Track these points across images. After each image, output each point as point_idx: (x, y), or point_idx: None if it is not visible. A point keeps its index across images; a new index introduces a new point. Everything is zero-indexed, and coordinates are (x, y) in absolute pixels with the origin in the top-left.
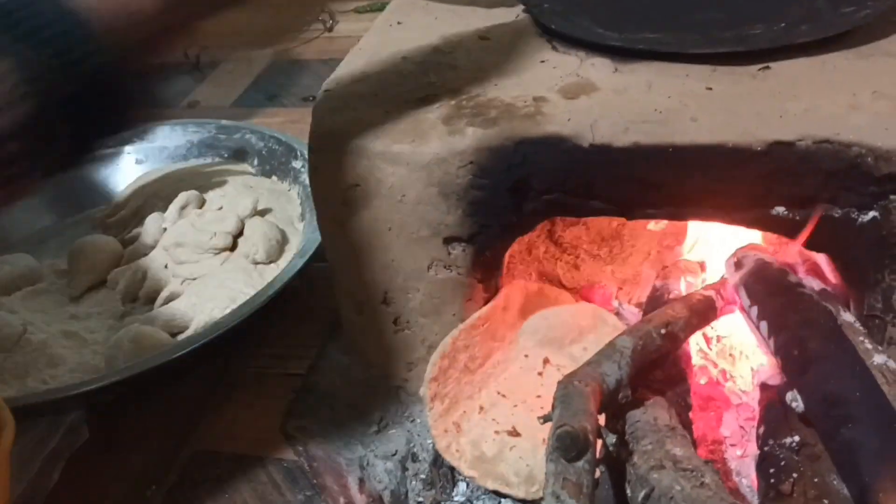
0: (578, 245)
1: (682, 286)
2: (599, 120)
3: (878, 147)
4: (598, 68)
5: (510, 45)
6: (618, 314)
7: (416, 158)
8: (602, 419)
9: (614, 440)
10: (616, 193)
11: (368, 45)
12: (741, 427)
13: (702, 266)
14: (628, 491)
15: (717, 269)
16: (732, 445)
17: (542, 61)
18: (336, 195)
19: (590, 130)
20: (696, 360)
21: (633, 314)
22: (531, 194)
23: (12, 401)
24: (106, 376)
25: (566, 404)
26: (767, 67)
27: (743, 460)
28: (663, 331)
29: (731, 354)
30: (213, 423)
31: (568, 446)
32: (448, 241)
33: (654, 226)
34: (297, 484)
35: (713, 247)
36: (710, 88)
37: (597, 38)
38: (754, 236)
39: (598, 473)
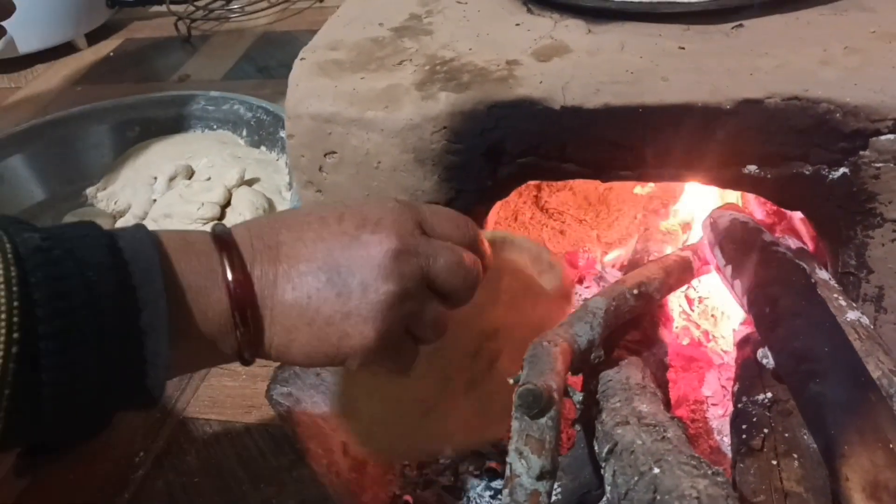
0: (565, 210)
1: (662, 248)
2: (571, 82)
3: (847, 102)
4: (571, 30)
5: (486, 8)
6: (601, 278)
7: (389, 125)
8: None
9: (581, 398)
10: (589, 155)
11: (346, 13)
12: (723, 387)
13: (684, 228)
14: (596, 447)
15: (698, 231)
16: (714, 405)
17: (517, 24)
18: (313, 163)
19: (561, 92)
20: (678, 321)
21: (617, 278)
22: (506, 158)
23: None
24: None
25: (533, 364)
26: (741, 25)
27: (724, 419)
28: (636, 291)
29: (713, 315)
30: (200, 390)
31: (530, 404)
32: None
33: (641, 189)
34: (282, 449)
35: (696, 208)
36: (683, 48)
37: (571, 0)
38: (734, 196)
39: (573, 432)
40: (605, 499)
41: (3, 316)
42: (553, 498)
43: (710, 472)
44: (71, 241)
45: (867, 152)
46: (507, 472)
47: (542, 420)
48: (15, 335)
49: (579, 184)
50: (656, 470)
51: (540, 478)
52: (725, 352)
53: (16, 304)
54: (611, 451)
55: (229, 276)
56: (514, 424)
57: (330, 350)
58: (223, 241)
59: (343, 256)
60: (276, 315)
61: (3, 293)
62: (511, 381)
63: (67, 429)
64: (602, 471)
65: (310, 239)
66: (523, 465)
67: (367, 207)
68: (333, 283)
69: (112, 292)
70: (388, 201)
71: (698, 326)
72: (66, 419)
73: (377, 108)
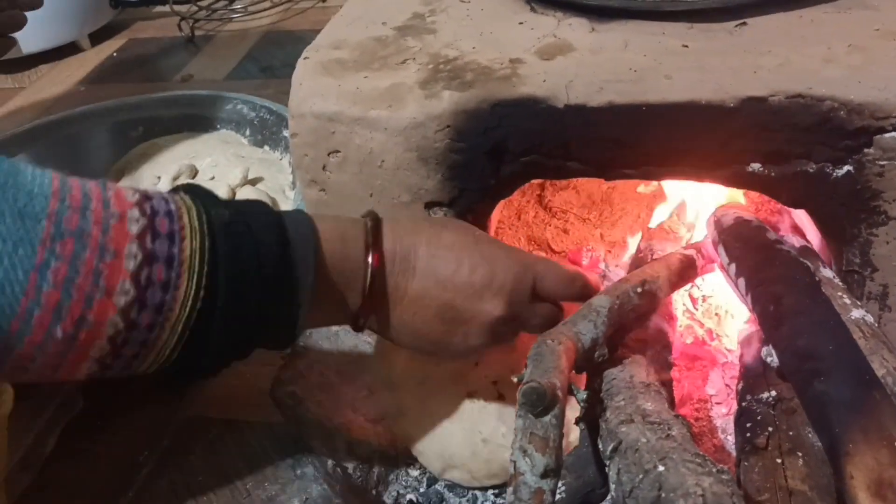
0: (568, 209)
1: (666, 247)
2: (575, 80)
3: (851, 100)
4: (575, 28)
5: (489, 7)
6: (605, 277)
7: (393, 123)
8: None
9: (585, 396)
10: (593, 154)
11: (350, 12)
12: (727, 385)
13: (688, 226)
14: (600, 445)
15: (702, 229)
16: (718, 404)
17: (521, 23)
18: (316, 162)
19: (565, 91)
20: (682, 320)
21: (620, 276)
22: (509, 157)
23: None
24: None
25: (537, 362)
26: (744, 23)
27: (728, 418)
28: (640, 289)
29: (716, 314)
30: (205, 389)
31: (534, 402)
32: (429, 205)
33: (644, 188)
34: (286, 448)
35: (700, 207)
36: (686, 46)
37: None
38: (738, 194)
39: (577, 431)
40: (609, 497)
41: (196, 277)
42: (557, 496)
43: (714, 469)
44: (249, 218)
45: (871, 150)
46: (511, 471)
47: (546, 418)
48: (202, 292)
49: (583, 183)
50: (661, 468)
51: (544, 476)
52: (729, 350)
53: (206, 268)
54: (615, 450)
55: (368, 280)
56: (518, 423)
57: (421, 356)
58: (373, 241)
59: (462, 305)
60: (393, 322)
61: (197, 258)
62: (514, 379)
63: (219, 359)
64: (606, 469)
65: (442, 275)
66: (527, 463)
67: (498, 267)
68: (445, 322)
69: (275, 267)
70: (516, 262)
71: (702, 325)
72: (221, 354)
73: (381, 107)
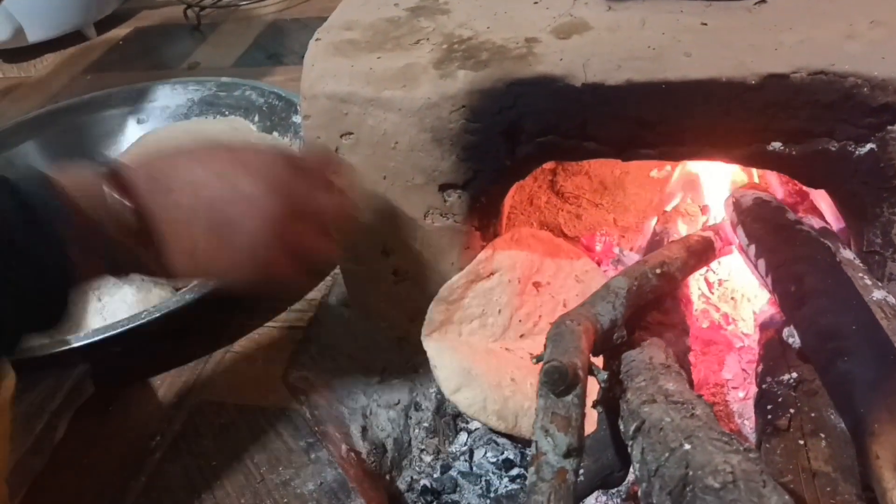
0: (580, 194)
1: (682, 229)
2: (592, 58)
3: (875, 76)
4: (591, 7)
5: None
6: (619, 261)
7: (407, 104)
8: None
9: (606, 377)
10: (610, 133)
11: None
12: (743, 370)
13: (703, 209)
14: (621, 426)
15: (719, 212)
16: (734, 388)
17: (535, 2)
18: (329, 144)
19: (582, 69)
20: (697, 304)
21: (634, 261)
22: (525, 137)
23: (16, 354)
24: (108, 329)
25: (557, 342)
26: (763, 1)
27: (745, 402)
28: (658, 271)
29: (732, 298)
30: (217, 374)
31: (556, 381)
32: (443, 187)
33: (657, 173)
34: (300, 432)
35: (715, 189)
36: (705, 24)
37: None
38: (754, 176)
39: (595, 414)
40: (632, 477)
41: None
42: None
43: (741, 448)
44: None
45: (895, 127)
46: (533, 451)
47: (568, 397)
48: None
49: (595, 168)
50: (687, 446)
51: (567, 455)
52: (745, 335)
53: None
54: (638, 429)
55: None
56: (539, 402)
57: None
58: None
59: (224, 196)
60: (170, 240)
61: None
62: (534, 359)
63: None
64: (629, 449)
65: (199, 179)
66: (549, 442)
67: (246, 157)
68: (219, 226)
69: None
70: (266, 149)
71: (718, 309)
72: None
73: (394, 88)
